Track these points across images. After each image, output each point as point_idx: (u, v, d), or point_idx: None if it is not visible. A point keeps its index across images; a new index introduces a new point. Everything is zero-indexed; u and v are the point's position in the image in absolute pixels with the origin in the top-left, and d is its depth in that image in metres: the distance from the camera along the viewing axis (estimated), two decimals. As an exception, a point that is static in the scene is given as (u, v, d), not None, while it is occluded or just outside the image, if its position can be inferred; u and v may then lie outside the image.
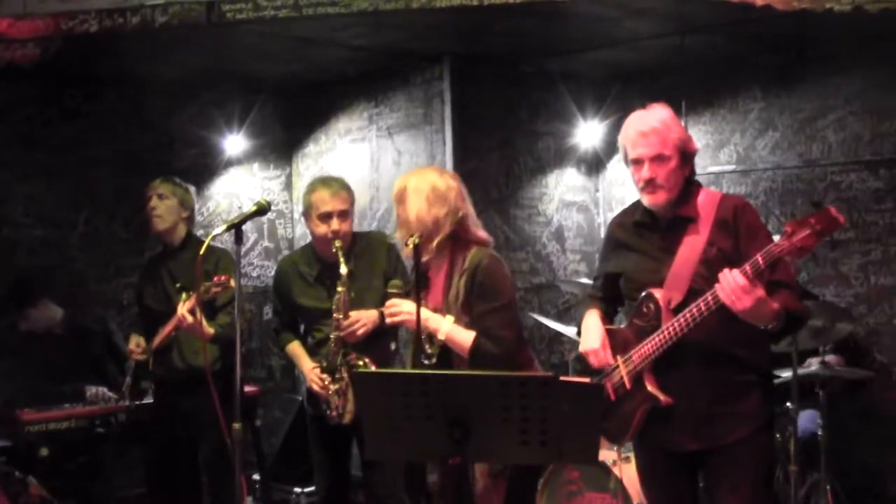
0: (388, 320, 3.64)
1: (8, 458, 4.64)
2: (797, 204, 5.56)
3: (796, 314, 2.92)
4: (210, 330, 4.26)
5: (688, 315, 2.90)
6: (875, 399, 5.26)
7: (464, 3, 4.35)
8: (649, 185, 3.03)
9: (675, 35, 5.18)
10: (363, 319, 3.97)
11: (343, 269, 3.91)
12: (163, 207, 4.50)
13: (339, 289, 3.94)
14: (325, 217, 4.04)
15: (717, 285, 2.81)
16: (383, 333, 4.11)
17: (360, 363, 3.96)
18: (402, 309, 3.44)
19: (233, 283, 3.99)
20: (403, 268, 4.11)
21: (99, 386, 5.09)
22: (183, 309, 4.17)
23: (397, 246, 4.01)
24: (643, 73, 5.99)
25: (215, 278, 4.10)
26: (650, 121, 3.04)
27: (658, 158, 3.01)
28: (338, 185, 4.12)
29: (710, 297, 2.85)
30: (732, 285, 2.75)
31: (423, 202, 3.36)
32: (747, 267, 2.77)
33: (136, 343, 4.56)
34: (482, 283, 3.30)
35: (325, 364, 4.07)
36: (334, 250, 3.97)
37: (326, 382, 4.04)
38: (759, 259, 2.76)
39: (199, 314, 4.10)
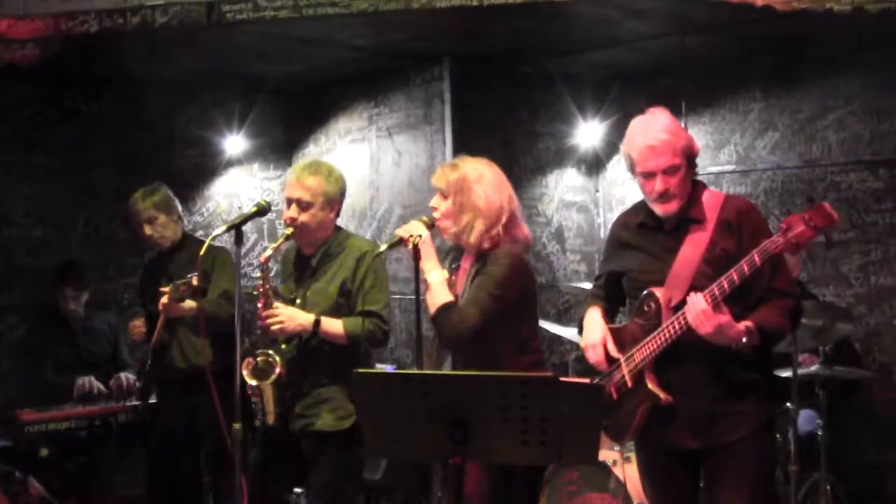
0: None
1: (8, 458, 4.64)
2: (797, 204, 5.55)
3: (770, 332, 2.94)
4: (192, 303, 4.26)
5: (681, 318, 2.91)
6: (875, 399, 5.26)
7: (464, 3, 4.34)
8: (663, 196, 3.03)
9: (675, 35, 5.18)
10: (282, 317, 3.60)
11: (266, 253, 3.60)
12: (159, 229, 4.55)
13: (258, 274, 3.64)
14: (287, 202, 3.74)
15: (685, 307, 2.86)
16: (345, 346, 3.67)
17: (264, 360, 3.60)
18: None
19: (195, 280, 4.04)
20: (374, 281, 3.70)
21: (87, 376, 5.10)
22: (160, 304, 4.28)
23: (372, 257, 3.72)
24: (643, 73, 5.99)
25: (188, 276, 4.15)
26: (656, 132, 3.02)
27: (670, 169, 3.01)
28: (307, 172, 3.72)
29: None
30: (696, 310, 2.81)
31: (491, 188, 3.34)
32: (715, 289, 2.82)
33: (140, 322, 4.58)
34: (490, 269, 3.28)
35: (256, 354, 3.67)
36: (282, 237, 3.70)
37: (246, 374, 3.60)
38: (755, 256, 2.78)
39: (166, 299, 4.23)
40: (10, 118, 5.66)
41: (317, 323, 3.62)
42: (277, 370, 3.59)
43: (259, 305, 3.63)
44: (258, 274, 3.64)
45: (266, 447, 3.80)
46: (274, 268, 3.90)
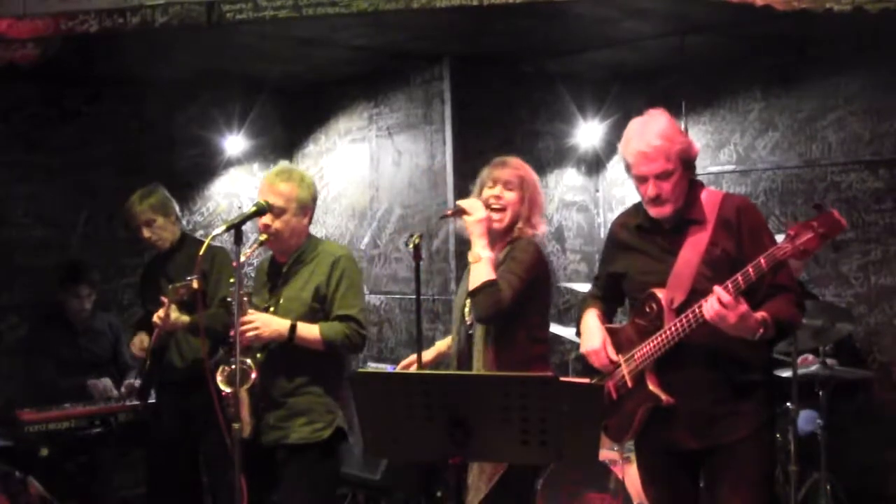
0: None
1: (8, 458, 4.64)
2: (797, 204, 5.56)
3: (785, 323, 2.94)
4: (186, 318, 4.26)
5: (690, 316, 2.90)
6: (874, 399, 5.26)
7: (464, 3, 4.34)
8: (655, 201, 3.03)
9: (675, 35, 5.18)
10: (257, 323, 3.53)
11: (241, 258, 3.43)
12: (157, 232, 4.54)
13: (230, 280, 3.50)
14: None
15: (701, 303, 2.84)
16: (321, 353, 3.61)
17: (243, 367, 3.48)
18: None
19: (196, 283, 3.95)
20: (349, 284, 3.68)
21: (103, 379, 5.11)
22: (155, 318, 4.26)
23: (351, 259, 3.77)
24: (643, 73, 5.99)
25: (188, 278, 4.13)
26: (651, 137, 3.01)
27: (662, 175, 3.00)
28: (280, 179, 3.67)
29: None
30: (717, 305, 2.78)
31: (540, 190, 3.68)
32: (729, 284, 2.80)
33: (140, 340, 4.57)
34: (518, 255, 3.48)
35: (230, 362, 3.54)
36: (255, 243, 3.67)
37: (220, 381, 3.53)
38: (762, 261, 2.77)
39: (168, 311, 4.18)
40: (10, 118, 5.66)
41: (292, 328, 3.55)
42: (252, 377, 3.50)
43: (232, 313, 3.49)
44: (231, 280, 3.48)
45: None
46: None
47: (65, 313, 5.28)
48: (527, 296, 3.42)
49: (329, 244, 3.87)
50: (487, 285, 3.36)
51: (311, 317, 3.63)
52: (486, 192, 3.58)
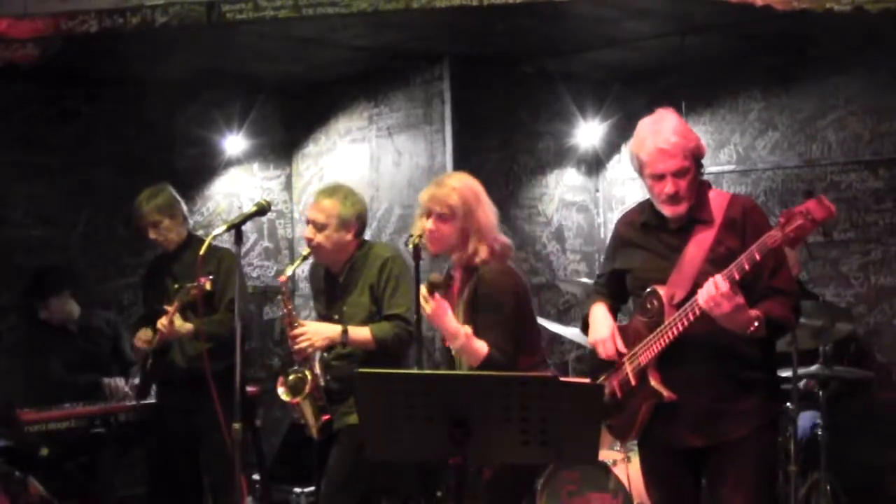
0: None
1: (8, 458, 4.63)
2: (797, 204, 5.55)
3: (777, 323, 2.95)
4: (189, 325, 4.29)
5: (689, 312, 2.90)
6: (875, 399, 5.26)
7: (464, 3, 4.35)
8: (673, 199, 3.02)
9: (675, 35, 5.19)
10: (308, 334, 3.80)
11: (286, 273, 3.91)
12: (164, 233, 4.52)
13: (280, 297, 3.89)
14: (306, 223, 3.98)
15: (699, 290, 2.84)
16: (380, 354, 3.82)
17: (295, 377, 3.83)
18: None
19: (209, 285, 4.08)
20: (396, 284, 3.88)
21: (116, 378, 5.12)
22: (159, 325, 4.29)
23: (399, 259, 3.94)
24: (643, 73, 5.99)
25: (200, 280, 4.14)
26: (667, 134, 3.00)
27: (680, 172, 3.00)
28: (324, 195, 3.96)
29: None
30: (713, 291, 2.78)
31: (487, 207, 3.46)
32: (732, 272, 2.80)
33: (144, 332, 4.54)
34: (484, 295, 3.36)
35: (287, 373, 3.94)
36: (300, 258, 3.99)
37: (281, 392, 3.89)
38: (755, 251, 2.78)
39: (173, 317, 4.25)
40: (10, 118, 5.66)
41: (344, 332, 3.79)
42: (307, 388, 3.78)
43: (286, 326, 3.84)
44: (279, 297, 3.89)
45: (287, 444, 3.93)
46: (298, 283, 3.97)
47: (52, 323, 5.25)
48: (515, 318, 3.37)
49: (378, 246, 4.09)
50: (489, 357, 3.28)
51: (368, 318, 3.88)
52: (422, 224, 3.43)
